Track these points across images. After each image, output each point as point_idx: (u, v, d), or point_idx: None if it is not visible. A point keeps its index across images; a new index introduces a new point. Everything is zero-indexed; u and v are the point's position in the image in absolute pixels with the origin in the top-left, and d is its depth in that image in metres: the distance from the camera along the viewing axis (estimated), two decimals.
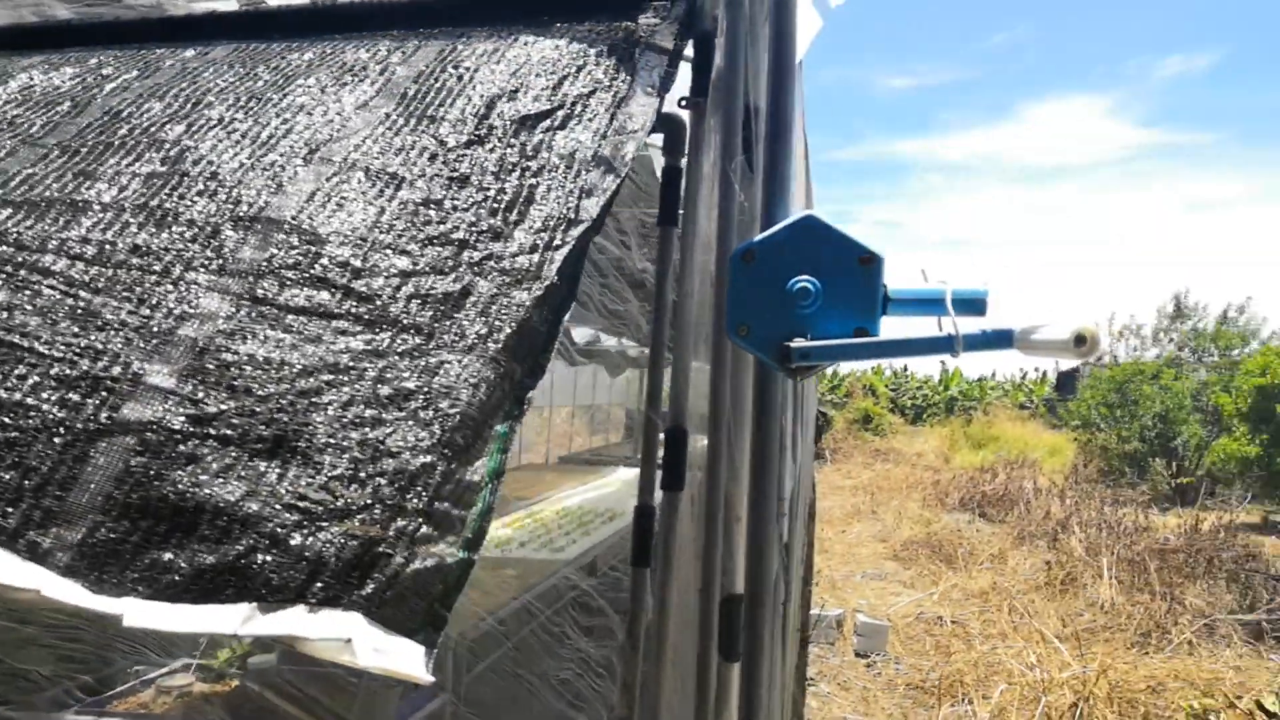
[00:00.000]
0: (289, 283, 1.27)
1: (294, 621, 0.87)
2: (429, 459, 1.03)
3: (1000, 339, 1.28)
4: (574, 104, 1.83)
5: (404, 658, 0.84)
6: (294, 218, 1.37)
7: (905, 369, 40.84)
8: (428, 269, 1.31)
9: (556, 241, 1.38)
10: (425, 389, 1.13)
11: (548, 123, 1.73)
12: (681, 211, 2.10)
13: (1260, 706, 6.78)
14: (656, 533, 2.02)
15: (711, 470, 1.76)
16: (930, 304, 1.34)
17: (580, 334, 13.29)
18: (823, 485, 18.76)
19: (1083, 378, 24.13)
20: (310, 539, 0.94)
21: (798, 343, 1.33)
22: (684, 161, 2.23)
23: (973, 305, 1.31)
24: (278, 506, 0.98)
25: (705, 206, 1.94)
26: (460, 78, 1.79)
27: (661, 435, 1.98)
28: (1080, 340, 1.13)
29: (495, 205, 1.45)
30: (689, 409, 1.92)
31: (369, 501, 0.98)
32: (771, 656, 1.58)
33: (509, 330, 1.21)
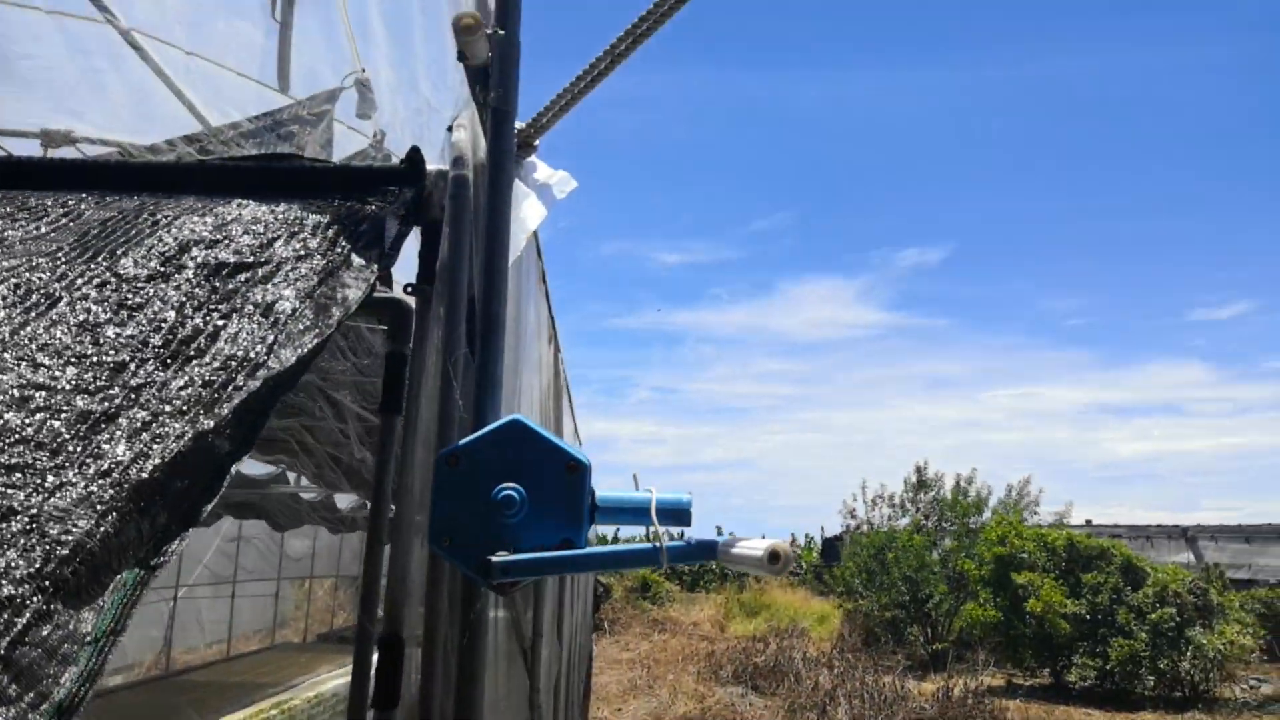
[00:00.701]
0: None
1: None
2: (20, 590, 0.83)
3: (704, 550, 1.24)
4: (281, 263, 1.73)
5: None
6: None
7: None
8: (68, 386, 1.14)
9: (239, 383, 1.25)
10: (34, 509, 0.93)
11: (248, 274, 1.62)
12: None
13: None
14: None
15: (426, 686, 1.60)
16: (637, 513, 1.29)
17: (344, 500, 12.58)
18: (601, 659, 18.32)
19: (844, 545, 25.29)
20: None
21: (500, 557, 1.24)
22: (410, 348, 2.16)
23: (678, 515, 1.28)
24: None
25: (428, 398, 1.85)
26: (156, 223, 1.67)
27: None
28: (774, 557, 1.11)
29: (169, 337, 1.31)
30: (409, 616, 1.76)
31: None
32: None
33: (158, 462, 1.04)
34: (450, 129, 2.28)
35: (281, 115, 3.16)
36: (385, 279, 2.46)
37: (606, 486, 1.29)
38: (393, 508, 2.04)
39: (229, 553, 13.25)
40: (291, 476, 10.11)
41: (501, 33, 1.84)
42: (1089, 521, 28.49)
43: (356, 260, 2.07)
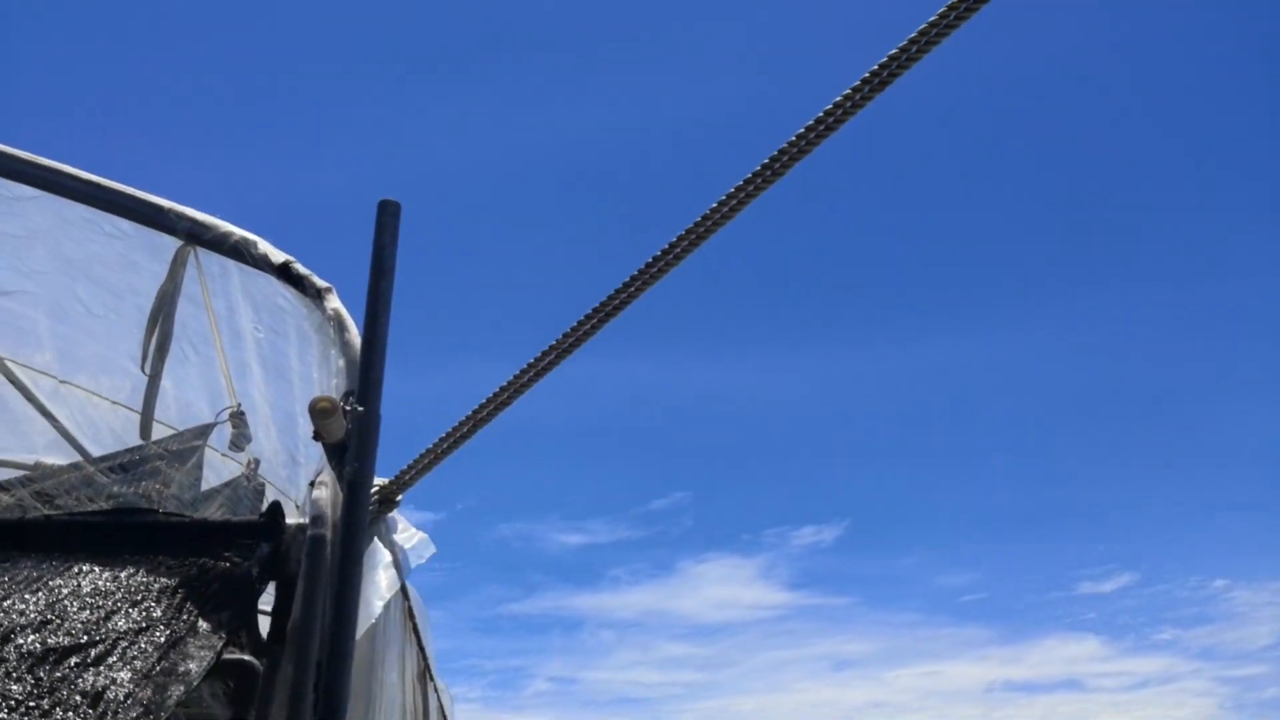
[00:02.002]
0: None
1: None
2: None
3: None
4: (119, 640, 1.65)
5: None
6: None
7: None
8: None
9: None
10: None
11: (80, 657, 1.53)
12: None
13: None
14: None
15: None
16: None
17: None
18: None
19: None
20: None
21: None
22: (253, 715, 2.03)
23: None
24: None
25: None
26: None
27: None
28: None
29: None
30: None
31: None
32: None
33: None
34: (312, 484, 2.29)
35: (147, 451, 3.13)
36: (234, 641, 2.35)
37: None
38: None
39: None
40: None
41: (361, 409, 1.91)
42: None
43: (203, 626, 1.99)
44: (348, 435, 1.91)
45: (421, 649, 3.45)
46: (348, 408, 1.92)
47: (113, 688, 1.49)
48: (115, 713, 1.42)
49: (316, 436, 1.93)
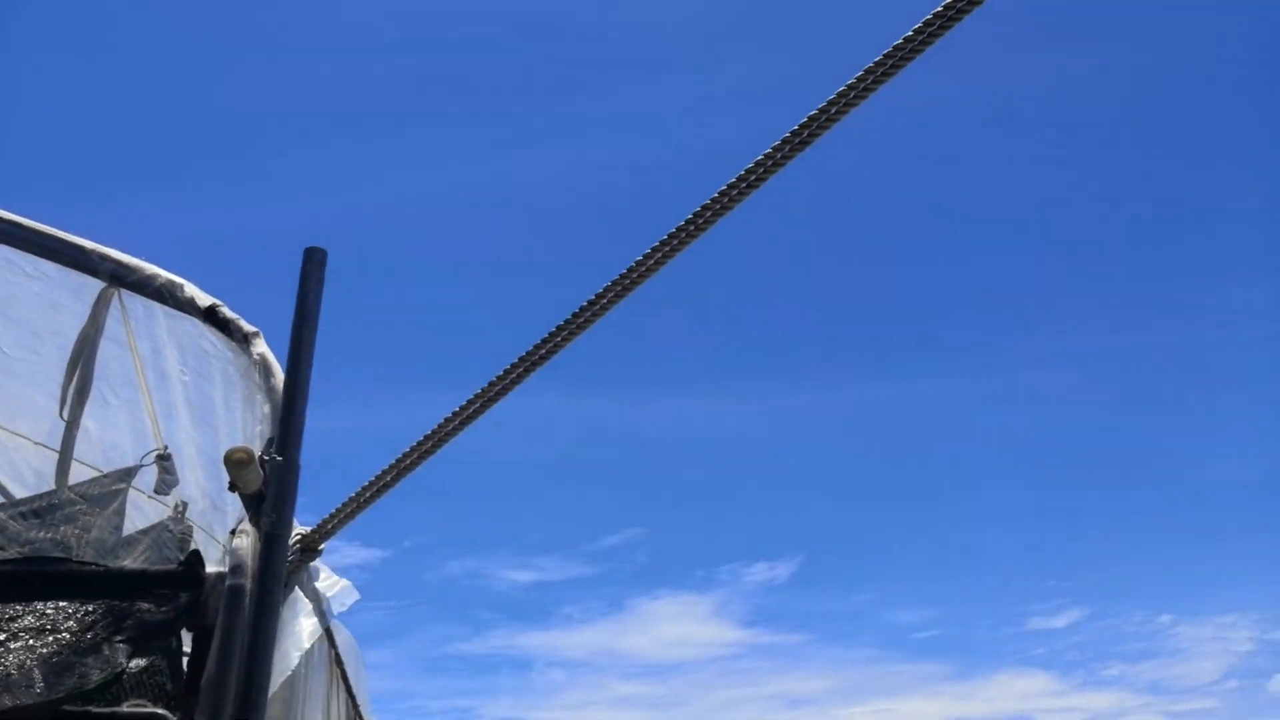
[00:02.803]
0: None
1: None
2: None
3: None
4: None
5: None
6: None
7: None
8: None
9: None
10: None
11: None
12: None
13: None
14: None
15: None
16: None
17: None
18: None
19: None
20: None
21: None
22: None
23: None
24: None
25: None
26: None
27: None
28: None
29: None
30: None
31: None
32: None
33: None
34: (234, 532, 2.25)
35: (62, 496, 3.04)
36: (154, 690, 2.29)
37: None
38: None
39: None
40: None
41: (280, 459, 1.89)
42: None
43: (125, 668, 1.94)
44: (265, 485, 1.89)
45: (351, 695, 3.38)
46: (266, 457, 1.89)
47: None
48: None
49: (232, 487, 1.90)
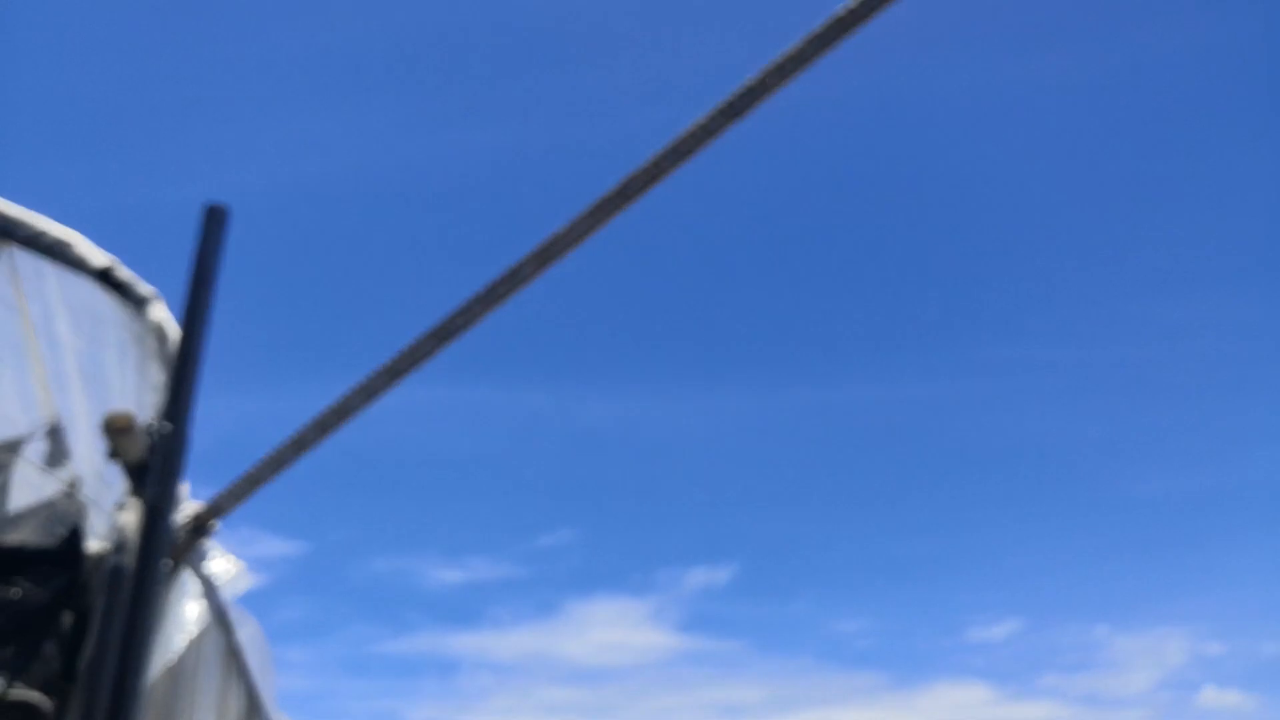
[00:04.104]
0: None
1: None
2: None
3: None
4: None
5: None
6: None
7: None
8: None
9: None
10: None
11: None
12: None
13: None
14: None
15: None
16: None
17: None
18: None
19: None
20: None
21: None
22: None
23: None
24: None
25: None
26: None
27: None
28: None
29: None
30: None
31: None
32: None
33: None
34: (121, 507, 2.11)
35: None
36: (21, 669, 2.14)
37: None
38: None
39: None
40: None
41: (169, 426, 1.76)
42: None
43: None
44: (149, 455, 1.76)
45: (251, 689, 3.24)
46: (153, 425, 1.77)
47: None
48: None
49: (112, 455, 1.78)
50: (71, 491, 3.47)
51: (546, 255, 1.83)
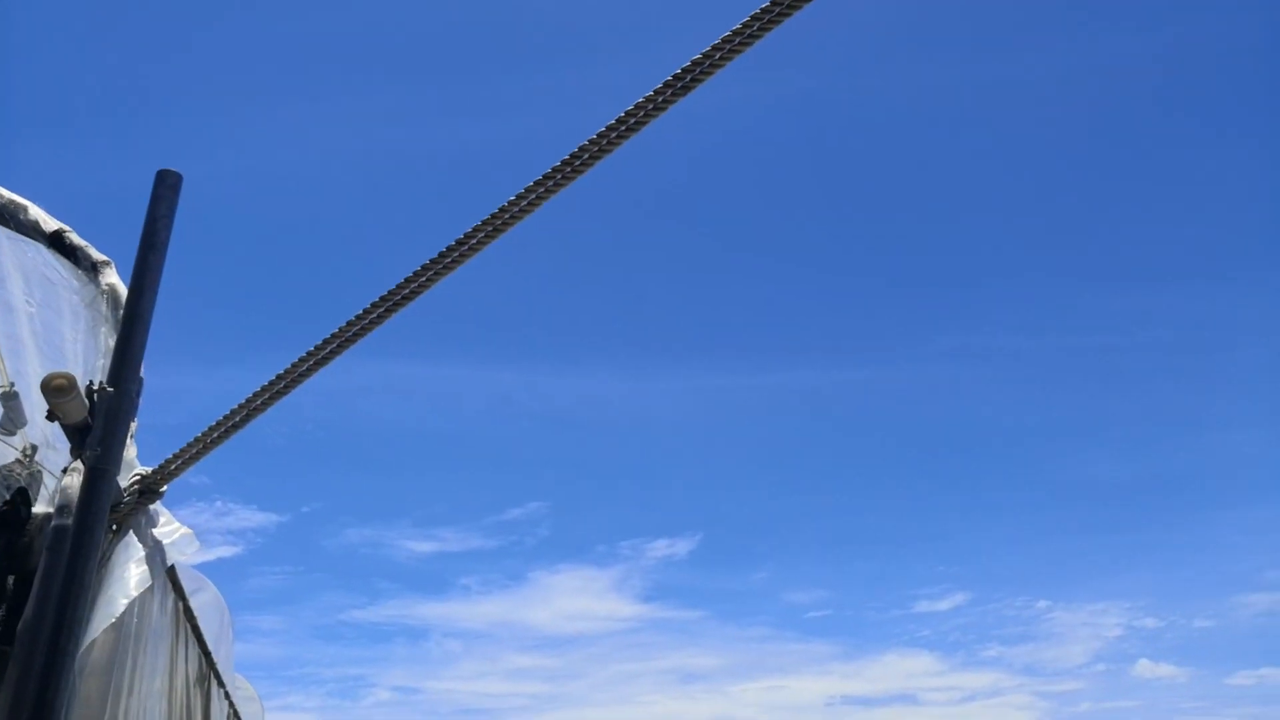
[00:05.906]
0: None
1: None
2: None
3: None
4: None
5: None
6: None
7: None
8: None
9: None
10: None
11: None
12: None
13: None
14: None
15: None
16: None
17: None
18: None
19: None
20: None
21: None
22: None
23: None
24: None
25: None
26: None
27: None
28: None
29: None
30: None
31: None
32: None
33: None
34: (66, 470, 2.10)
35: None
36: None
37: None
38: None
39: None
40: None
41: (111, 390, 1.76)
42: None
43: None
44: (91, 417, 1.76)
45: (205, 650, 3.24)
46: (96, 386, 1.77)
47: None
48: None
49: (51, 416, 1.77)
50: (26, 460, 3.44)
51: (497, 223, 1.84)
